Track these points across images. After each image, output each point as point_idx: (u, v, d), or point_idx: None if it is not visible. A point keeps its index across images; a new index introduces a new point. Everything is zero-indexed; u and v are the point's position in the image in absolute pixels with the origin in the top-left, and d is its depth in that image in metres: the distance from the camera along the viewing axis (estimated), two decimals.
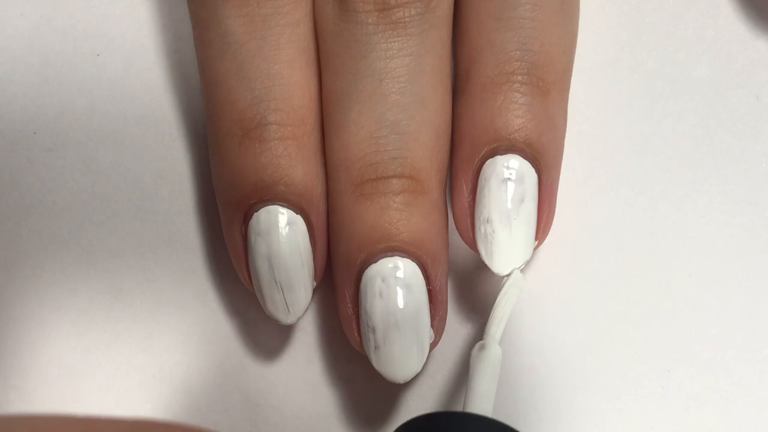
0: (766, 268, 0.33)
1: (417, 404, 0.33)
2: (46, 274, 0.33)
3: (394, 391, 0.33)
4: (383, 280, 0.30)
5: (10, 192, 0.34)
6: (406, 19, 0.31)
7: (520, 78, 0.31)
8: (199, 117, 0.34)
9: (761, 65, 0.35)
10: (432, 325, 0.31)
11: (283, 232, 0.31)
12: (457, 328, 0.33)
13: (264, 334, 0.33)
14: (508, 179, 0.31)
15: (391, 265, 0.30)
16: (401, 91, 0.31)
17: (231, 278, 0.33)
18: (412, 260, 0.31)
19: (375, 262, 0.30)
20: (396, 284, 0.30)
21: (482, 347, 0.30)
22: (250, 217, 0.31)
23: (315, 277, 0.32)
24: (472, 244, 0.31)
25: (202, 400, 0.33)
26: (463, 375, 0.33)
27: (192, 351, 0.33)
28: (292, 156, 0.31)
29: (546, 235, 0.32)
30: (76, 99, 0.35)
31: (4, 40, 0.35)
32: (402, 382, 0.30)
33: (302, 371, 0.33)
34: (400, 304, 0.30)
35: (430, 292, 0.31)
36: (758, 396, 0.32)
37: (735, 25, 0.35)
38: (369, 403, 0.33)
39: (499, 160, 0.31)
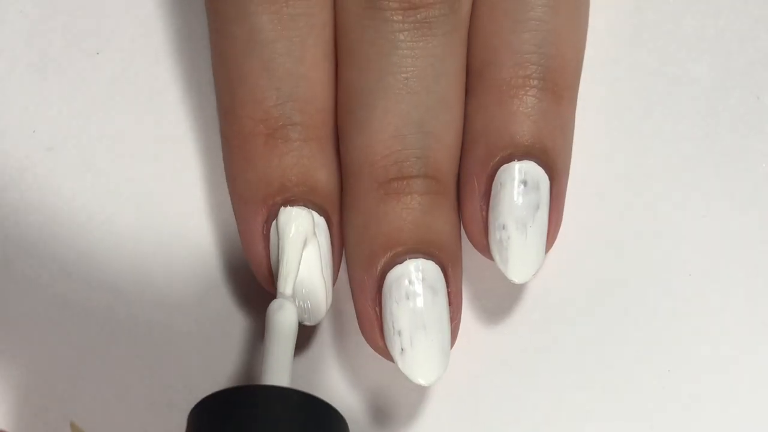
0: (766, 268, 0.33)
1: (421, 405, 0.33)
2: (46, 274, 0.33)
3: (397, 392, 0.33)
4: (410, 282, 0.30)
5: (10, 192, 0.34)
6: (431, 20, 0.31)
7: (535, 82, 0.31)
8: (199, 115, 0.34)
9: (761, 65, 0.35)
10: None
11: (309, 235, 0.31)
12: (462, 326, 0.33)
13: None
14: (524, 186, 0.31)
15: (418, 267, 0.30)
16: (426, 90, 0.31)
17: (231, 278, 0.33)
18: (435, 262, 0.31)
19: (400, 263, 0.30)
20: (423, 286, 0.30)
21: (278, 308, 0.30)
22: (275, 217, 0.31)
23: (333, 278, 0.32)
24: (484, 249, 0.31)
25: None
26: (467, 377, 0.33)
27: (192, 350, 0.33)
28: (316, 157, 0.31)
29: (554, 241, 0.32)
30: (75, 98, 0.34)
31: (3, 38, 0.35)
32: (426, 385, 0.30)
33: (305, 371, 0.33)
34: (428, 306, 0.30)
35: (449, 294, 0.31)
36: (758, 396, 0.32)
37: (735, 25, 0.35)
38: (371, 403, 0.33)
39: (516, 166, 0.31)
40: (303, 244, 0.31)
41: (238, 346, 0.33)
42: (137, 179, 0.34)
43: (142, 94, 0.35)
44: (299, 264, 0.31)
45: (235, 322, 0.33)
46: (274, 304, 0.30)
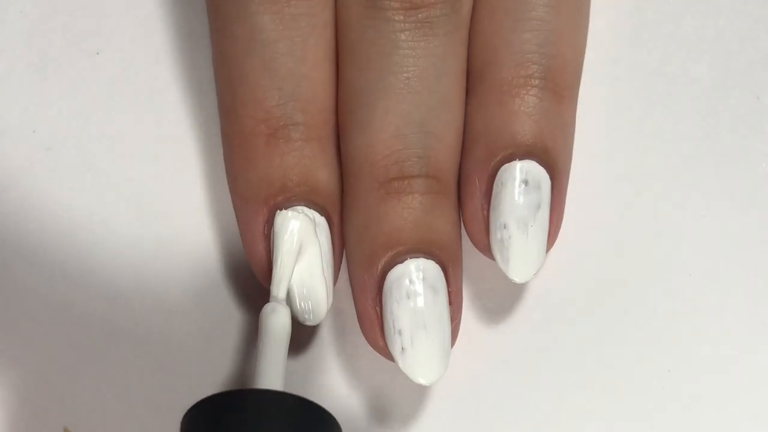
0: (766, 268, 0.33)
1: (421, 405, 0.33)
2: (46, 275, 0.33)
3: (397, 392, 0.33)
4: (411, 282, 0.30)
5: (10, 192, 0.34)
6: (433, 20, 0.31)
7: (537, 82, 0.31)
8: (199, 115, 0.34)
9: (761, 65, 0.35)
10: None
11: (311, 235, 0.31)
12: (462, 325, 0.33)
13: None
14: (525, 185, 0.31)
15: (418, 267, 0.30)
16: (428, 90, 0.31)
17: (231, 278, 0.33)
18: (436, 262, 0.31)
19: (401, 262, 0.31)
20: (423, 286, 0.30)
21: (271, 311, 0.30)
22: (275, 217, 0.31)
23: (334, 278, 0.32)
24: (485, 248, 0.31)
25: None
26: (467, 377, 0.33)
27: (192, 351, 0.33)
28: (317, 157, 0.31)
29: (555, 241, 0.32)
30: (75, 98, 0.34)
31: (3, 38, 0.35)
32: (426, 384, 0.30)
33: (305, 371, 0.33)
34: (429, 305, 0.30)
35: (449, 294, 0.31)
36: (758, 396, 0.33)
37: (735, 25, 0.35)
38: (371, 403, 0.33)
39: (517, 165, 0.31)
40: (298, 248, 0.31)
41: (239, 346, 0.33)
42: (137, 179, 0.34)
43: (142, 94, 0.35)
44: (293, 268, 0.31)
45: (236, 322, 0.33)
46: (267, 308, 0.30)
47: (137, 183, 0.34)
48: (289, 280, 0.30)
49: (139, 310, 0.33)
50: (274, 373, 0.29)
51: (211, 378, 0.33)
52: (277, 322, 0.30)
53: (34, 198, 0.34)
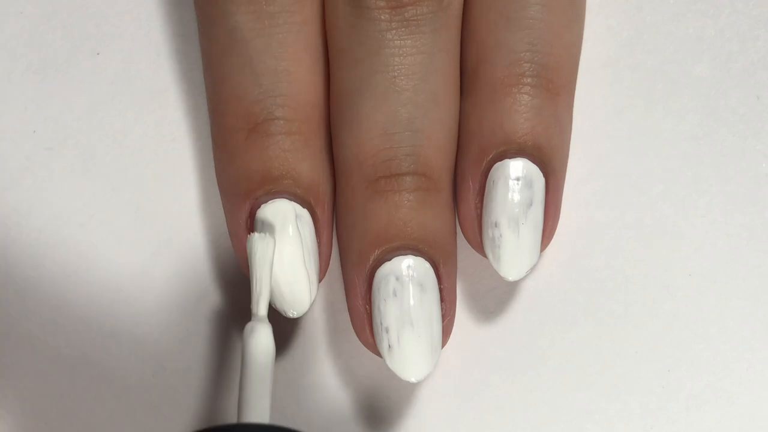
0: (766, 268, 0.33)
1: (419, 405, 0.33)
2: (46, 274, 0.33)
3: (396, 391, 0.33)
4: (397, 279, 0.30)
5: (10, 192, 0.34)
6: (419, 17, 0.31)
7: (530, 80, 0.31)
8: (200, 115, 0.34)
9: (761, 65, 0.35)
10: (442, 325, 0.31)
11: (290, 226, 0.31)
12: (463, 325, 0.33)
13: None
14: (516, 183, 0.31)
15: (405, 264, 0.31)
16: (415, 88, 0.31)
17: (232, 277, 0.33)
18: (425, 259, 0.31)
19: (389, 260, 0.31)
20: (410, 283, 0.30)
21: (251, 331, 0.29)
22: (257, 210, 0.31)
23: (320, 272, 0.32)
24: (479, 247, 0.31)
25: (202, 399, 0.33)
26: (466, 377, 0.33)
27: (192, 351, 0.33)
28: (299, 150, 0.31)
29: (551, 239, 0.32)
30: (75, 98, 0.34)
31: (3, 38, 0.35)
32: (415, 381, 0.30)
33: (303, 370, 0.33)
34: (415, 303, 0.30)
35: (441, 291, 0.31)
36: (758, 396, 0.33)
37: (735, 25, 0.35)
38: (368, 402, 0.33)
39: (508, 163, 0.31)
40: (270, 265, 0.30)
41: (239, 344, 0.33)
42: (137, 179, 0.34)
43: (142, 94, 0.35)
44: (270, 281, 0.30)
45: (236, 321, 0.33)
46: (247, 328, 0.29)
47: (137, 183, 0.34)
48: (269, 297, 0.30)
49: (139, 309, 0.33)
50: (258, 403, 0.28)
51: (212, 376, 0.33)
52: (258, 343, 0.29)
53: (34, 198, 0.34)
